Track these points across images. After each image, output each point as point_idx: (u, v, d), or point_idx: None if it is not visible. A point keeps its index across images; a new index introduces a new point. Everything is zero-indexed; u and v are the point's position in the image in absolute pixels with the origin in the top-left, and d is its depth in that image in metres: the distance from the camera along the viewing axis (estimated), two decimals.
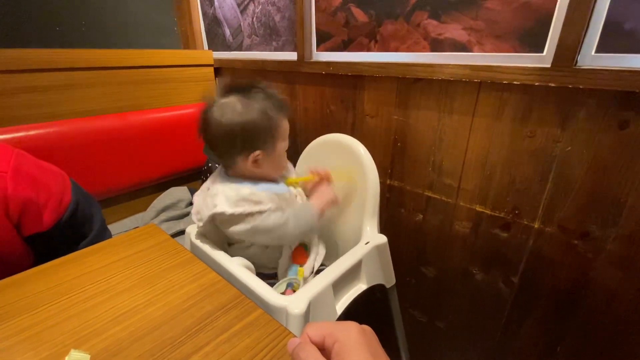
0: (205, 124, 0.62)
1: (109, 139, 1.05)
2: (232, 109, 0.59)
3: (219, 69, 1.34)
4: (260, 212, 0.60)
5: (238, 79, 0.62)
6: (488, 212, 0.76)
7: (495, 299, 0.81)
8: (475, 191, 0.76)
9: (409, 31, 0.77)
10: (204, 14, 1.33)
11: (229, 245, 0.73)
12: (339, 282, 0.60)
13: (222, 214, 0.59)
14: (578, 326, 0.70)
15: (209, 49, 1.38)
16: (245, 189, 0.61)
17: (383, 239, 0.69)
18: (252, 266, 0.66)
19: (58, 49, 0.93)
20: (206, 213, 0.61)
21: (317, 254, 0.72)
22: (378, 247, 0.68)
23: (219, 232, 0.76)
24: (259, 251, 0.69)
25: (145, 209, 1.20)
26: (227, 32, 1.26)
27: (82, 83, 1.00)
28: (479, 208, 0.77)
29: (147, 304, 0.47)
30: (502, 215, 0.74)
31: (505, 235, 0.75)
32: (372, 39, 0.84)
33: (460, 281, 0.86)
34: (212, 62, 1.31)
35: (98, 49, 1.01)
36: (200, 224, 0.64)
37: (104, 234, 0.72)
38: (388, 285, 0.74)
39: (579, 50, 0.57)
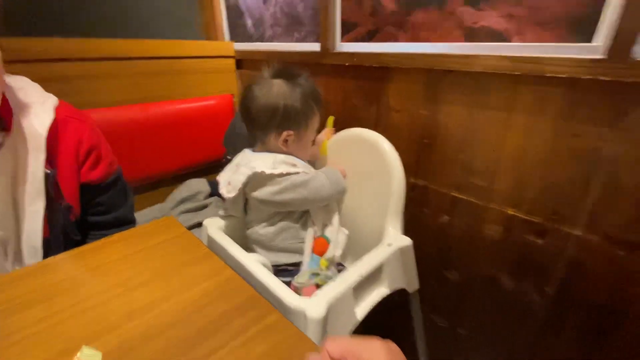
0: (249, 98, 0.66)
1: (130, 130, 1.06)
2: (279, 88, 0.65)
3: (240, 61, 1.32)
4: (296, 173, 0.65)
5: (286, 66, 0.68)
6: (522, 216, 0.70)
7: (525, 309, 0.75)
8: (509, 193, 0.71)
9: (442, 20, 0.71)
10: (226, 5, 1.32)
11: (247, 228, 0.72)
12: (360, 285, 0.56)
13: (261, 174, 0.63)
14: (618, 346, 0.64)
15: (230, 40, 1.37)
16: (280, 155, 0.67)
17: (407, 241, 0.66)
18: (268, 264, 0.64)
19: (82, 38, 0.93)
20: (240, 179, 0.64)
21: (338, 243, 0.70)
22: (402, 250, 0.64)
23: (239, 223, 0.75)
24: (278, 230, 0.68)
25: (163, 200, 1.21)
26: (249, 22, 1.24)
27: (105, 73, 1.00)
28: (511, 211, 0.72)
29: (161, 300, 0.45)
30: (538, 220, 0.68)
31: (540, 241, 0.69)
32: (400, 29, 0.79)
33: (487, 288, 0.81)
34: (233, 54, 1.30)
35: (121, 39, 1.01)
36: (232, 194, 0.65)
37: (132, 214, 0.76)
38: (411, 290, 0.70)
39: (638, 40, 0.51)
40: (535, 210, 0.68)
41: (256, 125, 0.68)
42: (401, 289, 0.68)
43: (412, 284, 0.70)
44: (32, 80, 0.64)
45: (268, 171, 0.63)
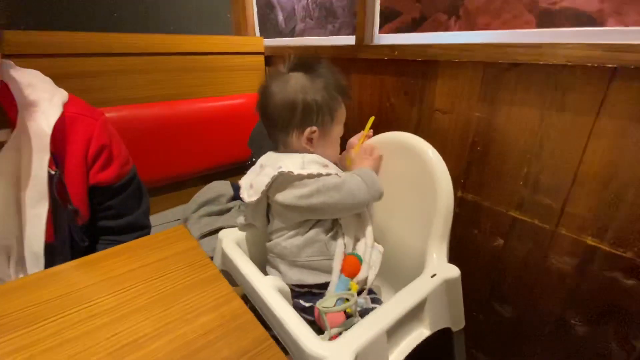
0: (266, 96, 0.61)
1: (154, 128, 1.02)
2: (297, 83, 0.59)
3: (270, 58, 1.25)
4: (328, 175, 0.57)
5: (304, 57, 0.61)
6: (605, 247, 0.56)
7: None
8: (588, 218, 0.56)
9: (507, 1, 0.59)
10: None
11: (269, 239, 0.64)
12: (396, 327, 0.46)
13: (288, 174, 0.55)
14: None
15: (260, 35, 1.30)
16: (310, 155, 0.60)
17: (455, 271, 0.54)
18: (286, 288, 0.55)
19: (108, 33, 0.90)
20: (264, 181, 0.57)
21: (372, 262, 0.60)
22: (448, 282, 0.53)
23: (259, 234, 0.67)
24: (304, 243, 0.59)
25: (187, 201, 1.16)
26: (280, 16, 1.16)
27: (132, 69, 0.97)
28: (591, 241, 0.57)
29: (155, 335, 0.38)
30: (628, 255, 0.53)
31: (630, 282, 0.54)
32: (452, 15, 0.67)
33: (550, 329, 0.66)
34: (262, 50, 1.23)
35: (146, 34, 0.97)
36: (253, 198, 0.59)
37: (146, 219, 0.72)
38: (455, 329, 0.58)
39: None
40: (626, 242, 0.53)
41: (276, 124, 0.61)
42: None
43: (457, 322, 0.58)
44: (54, 75, 0.60)
45: (296, 171, 0.55)
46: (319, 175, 0.56)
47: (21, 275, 0.56)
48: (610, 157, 0.52)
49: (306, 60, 0.61)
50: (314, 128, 0.59)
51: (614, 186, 0.53)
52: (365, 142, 0.73)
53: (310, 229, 0.59)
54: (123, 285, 0.46)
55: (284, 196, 0.57)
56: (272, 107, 0.60)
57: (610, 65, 0.48)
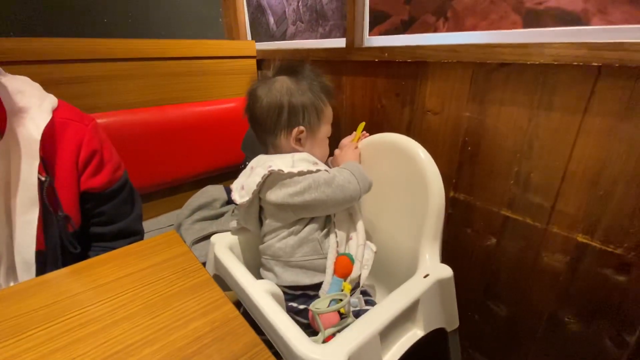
0: (253, 100, 0.62)
1: (147, 133, 1.02)
2: (282, 85, 0.60)
3: (262, 61, 1.25)
4: (318, 171, 0.58)
5: (289, 61, 0.63)
6: (597, 245, 0.56)
7: (595, 357, 0.61)
8: (579, 215, 0.57)
9: (494, 2, 0.59)
10: (248, 3, 1.26)
11: (262, 242, 0.64)
12: (389, 328, 0.46)
13: (278, 173, 0.56)
14: None
15: (252, 39, 1.30)
16: (300, 153, 0.60)
17: (447, 271, 0.54)
18: (279, 291, 0.55)
19: (98, 38, 0.90)
20: (255, 181, 0.57)
21: (363, 261, 0.60)
22: (441, 282, 0.53)
23: (253, 238, 0.67)
24: (298, 242, 0.59)
25: (181, 206, 1.16)
26: (271, 20, 1.16)
27: (122, 74, 0.96)
28: (582, 238, 0.57)
29: (144, 342, 0.38)
30: (619, 251, 0.54)
31: (621, 278, 0.55)
32: (440, 16, 0.67)
33: (544, 327, 0.67)
34: (254, 54, 1.23)
35: (137, 39, 0.97)
36: (245, 199, 0.59)
37: (139, 225, 0.71)
38: (450, 329, 0.58)
39: None
40: (616, 238, 0.54)
41: (264, 127, 0.62)
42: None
43: (451, 322, 0.58)
44: (45, 81, 0.60)
45: (287, 169, 0.56)
46: (309, 172, 0.57)
47: (12, 283, 0.55)
48: (598, 154, 0.53)
49: (290, 64, 0.63)
50: (302, 128, 0.60)
51: (603, 183, 0.53)
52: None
53: (304, 228, 0.60)
54: (114, 292, 0.46)
55: (276, 195, 0.57)
56: (259, 110, 0.60)
57: (595, 64, 0.49)
